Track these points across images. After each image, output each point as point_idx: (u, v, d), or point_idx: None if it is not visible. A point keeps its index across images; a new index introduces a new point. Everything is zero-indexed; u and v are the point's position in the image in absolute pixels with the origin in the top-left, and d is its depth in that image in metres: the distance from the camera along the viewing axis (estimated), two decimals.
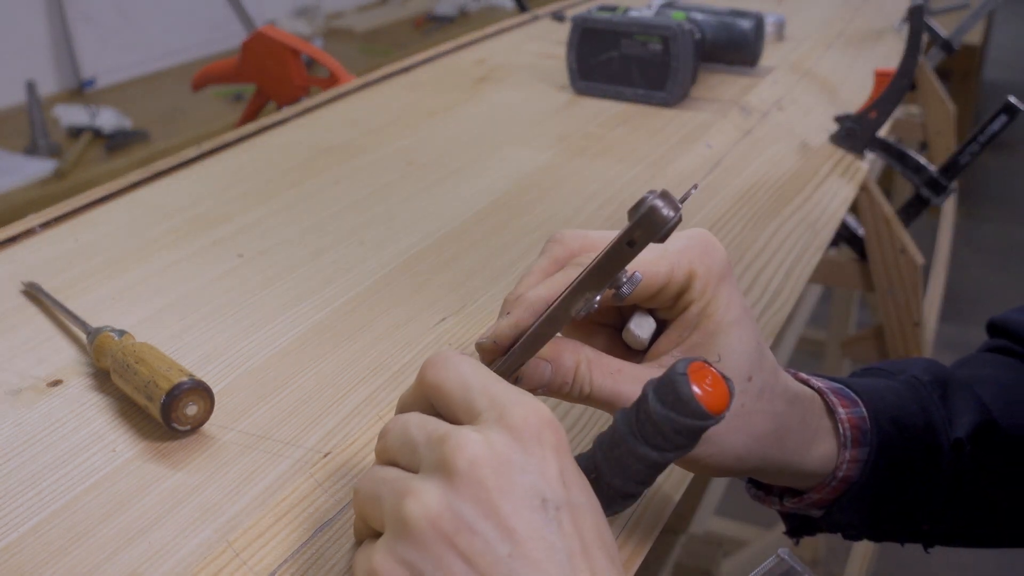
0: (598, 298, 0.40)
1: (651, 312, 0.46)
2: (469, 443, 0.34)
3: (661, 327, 0.46)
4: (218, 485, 0.47)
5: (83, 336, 0.58)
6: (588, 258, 0.43)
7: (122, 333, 0.56)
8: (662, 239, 0.37)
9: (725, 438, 0.44)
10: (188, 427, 0.50)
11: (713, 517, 1.70)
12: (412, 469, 0.37)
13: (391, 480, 0.36)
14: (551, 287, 0.43)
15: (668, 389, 0.37)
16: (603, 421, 0.55)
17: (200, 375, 0.52)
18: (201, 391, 0.50)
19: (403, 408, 0.41)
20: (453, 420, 0.37)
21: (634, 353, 0.46)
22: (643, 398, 0.38)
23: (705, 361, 0.38)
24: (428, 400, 0.39)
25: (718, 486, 1.66)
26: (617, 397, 0.43)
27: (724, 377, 0.38)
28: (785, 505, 0.53)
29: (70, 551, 0.43)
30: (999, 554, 2.01)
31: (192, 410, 0.50)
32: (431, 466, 0.35)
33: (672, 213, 0.36)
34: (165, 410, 0.49)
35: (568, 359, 0.43)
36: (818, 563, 1.83)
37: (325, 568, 0.43)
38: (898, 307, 1.13)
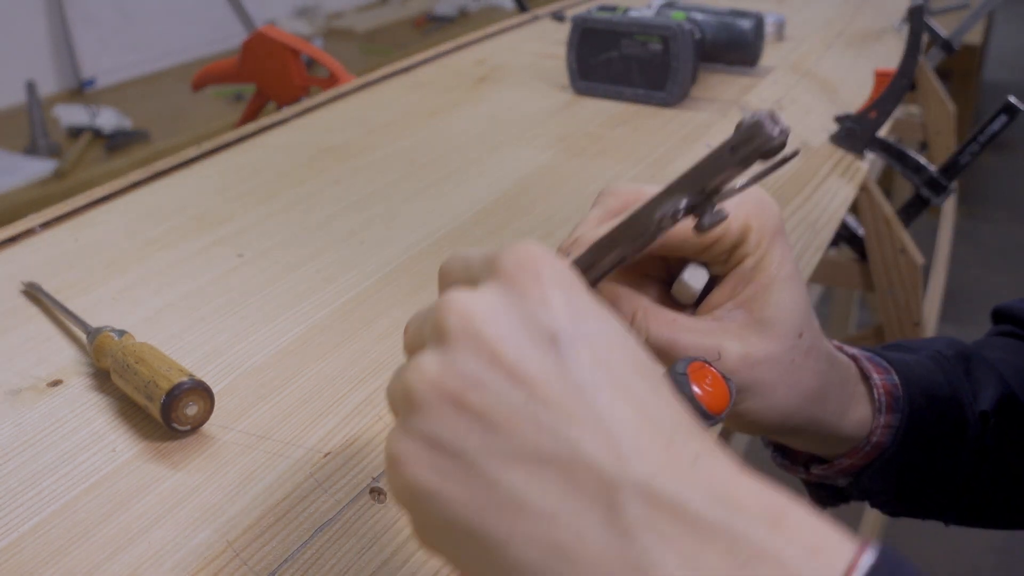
0: (682, 205, 0.37)
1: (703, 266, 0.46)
2: (455, 301, 0.32)
3: (711, 283, 0.46)
4: (218, 485, 0.47)
5: (83, 336, 0.58)
6: None
7: (122, 333, 0.56)
8: (766, 156, 0.35)
9: (775, 392, 0.44)
10: (188, 427, 0.50)
11: None
12: (415, 351, 0.35)
13: (400, 369, 0.34)
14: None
15: None
16: None
17: (200, 375, 0.52)
18: (201, 391, 0.50)
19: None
20: None
21: (682, 308, 0.46)
22: None
23: (705, 361, 0.38)
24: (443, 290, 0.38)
25: None
26: (673, 346, 0.42)
27: (724, 377, 0.38)
28: (812, 473, 0.53)
29: (70, 551, 0.43)
30: (999, 555, 2.01)
31: (192, 410, 0.50)
32: (428, 339, 0.33)
33: (777, 130, 0.34)
34: (165, 410, 0.49)
35: (625, 306, 0.42)
36: None
37: (325, 568, 0.43)
38: (898, 307, 1.13)
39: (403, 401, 0.32)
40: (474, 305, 0.31)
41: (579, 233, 0.44)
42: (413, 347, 0.36)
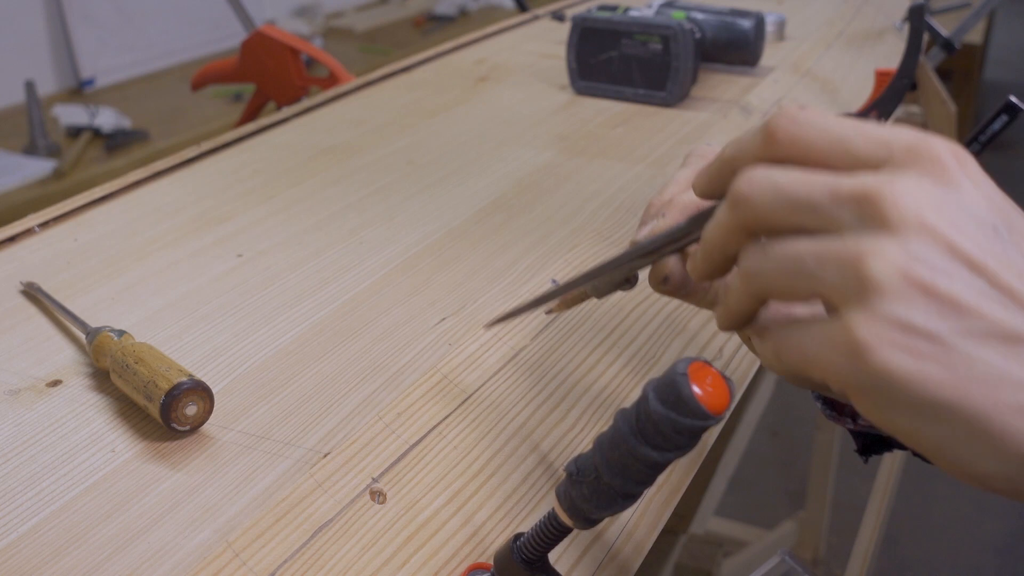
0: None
1: None
2: (905, 191, 0.33)
3: None
4: (218, 485, 0.47)
5: (82, 336, 0.58)
6: None
7: (121, 333, 0.56)
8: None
9: None
10: (188, 427, 0.50)
11: (713, 517, 1.70)
12: (818, 229, 0.35)
13: (815, 249, 0.34)
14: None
15: (668, 389, 0.37)
16: (603, 421, 0.55)
17: (200, 375, 0.52)
18: (201, 391, 0.50)
19: (733, 162, 0.39)
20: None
21: None
22: (643, 398, 0.38)
23: (705, 361, 0.38)
24: (778, 157, 0.37)
25: (718, 486, 1.66)
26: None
27: (724, 377, 0.38)
28: (858, 424, 0.54)
29: (69, 552, 0.43)
30: (1001, 556, 2.01)
31: (192, 410, 0.50)
32: (863, 222, 0.33)
33: None
34: (165, 410, 0.49)
35: None
36: (818, 563, 1.83)
37: (325, 568, 0.43)
38: None
39: (860, 288, 0.33)
40: (924, 196, 0.33)
41: (670, 195, 0.48)
42: (772, 223, 0.36)
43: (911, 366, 0.32)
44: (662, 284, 0.50)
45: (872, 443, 0.57)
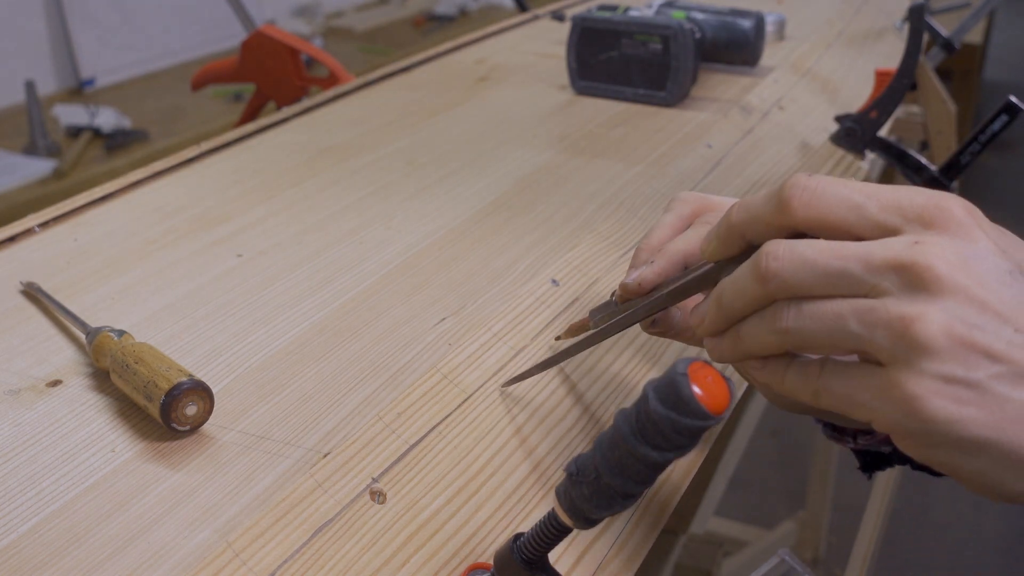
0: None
1: None
2: (937, 256, 0.37)
3: None
4: (218, 485, 0.47)
5: (82, 336, 0.58)
6: (713, 216, 0.49)
7: (121, 333, 0.56)
8: None
9: None
10: (188, 427, 0.50)
11: (713, 517, 1.70)
12: (853, 293, 0.38)
13: (857, 311, 0.37)
14: (687, 241, 0.49)
15: (669, 389, 0.37)
16: (603, 421, 0.55)
17: (200, 375, 0.52)
18: (201, 391, 0.50)
19: (743, 227, 0.42)
20: (848, 239, 0.39)
21: None
22: (643, 398, 0.38)
23: (706, 361, 0.38)
24: (792, 225, 0.40)
25: (718, 486, 1.66)
26: None
27: (724, 376, 0.38)
28: (858, 443, 0.56)
29: (69, 552, 0.43)
30: (1003, 556, 2.01)
31: (192, 410, 0.50)
32: (903, 288, 0.37)
33: None
34: (165, 410, 0.49)
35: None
36: (818, 563, 1.83)
37: (325, 568, 0.43)
38: None
39: (910, 349, 0.37)
40: (951, 257, 0.37)
41: (655, 241, 0.51)
42: (803, 290, 0.39)
43: (955, 412, 0.36)
44: (651, 327, 0.53)
45: (873, 460, 0.57)
